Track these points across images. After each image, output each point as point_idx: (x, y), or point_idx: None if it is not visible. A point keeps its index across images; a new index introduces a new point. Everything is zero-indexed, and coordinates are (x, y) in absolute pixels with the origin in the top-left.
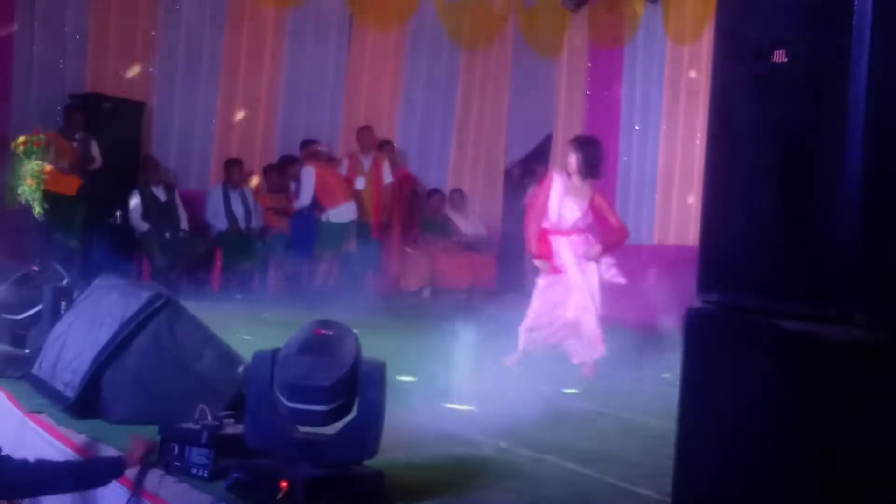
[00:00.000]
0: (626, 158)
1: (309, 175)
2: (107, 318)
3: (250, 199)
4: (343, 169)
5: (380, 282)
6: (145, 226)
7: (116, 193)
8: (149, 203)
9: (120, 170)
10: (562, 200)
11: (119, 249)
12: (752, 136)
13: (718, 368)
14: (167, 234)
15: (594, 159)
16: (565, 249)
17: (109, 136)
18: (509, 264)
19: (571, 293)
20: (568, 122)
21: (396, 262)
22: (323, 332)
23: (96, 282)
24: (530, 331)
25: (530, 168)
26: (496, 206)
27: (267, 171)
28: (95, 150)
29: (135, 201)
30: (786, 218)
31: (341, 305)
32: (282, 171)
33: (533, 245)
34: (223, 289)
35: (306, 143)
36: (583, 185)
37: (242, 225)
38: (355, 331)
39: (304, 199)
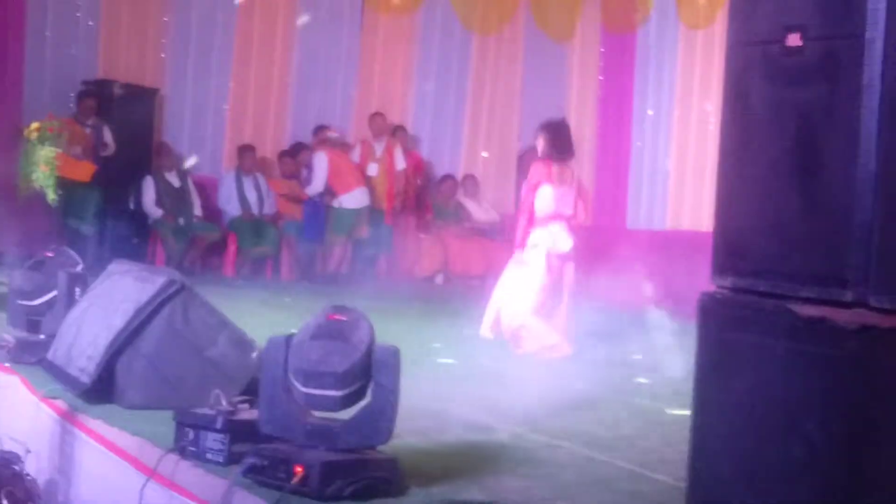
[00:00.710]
0: (639, 144)
1: (321, 161)
2: (121, 304)
3: (263, 184)
4: (355, 155)
5: (392, 267)
6: (158, 212)
7: (129, 179)
8: (162, 189)
9: (133, 156)
10: (547, 188)
11: (133, 235)
12: (766, 120)
13: (733, 353)
14: (180, 220)
15: (562, 140)
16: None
17: (122, 122)
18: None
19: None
20: (580, 107)
21: (409, 248)
22: (337, 317)
23: (110, 267)
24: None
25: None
26: (509, 192)
27: (280, 157)
28: (108, 136)
29: (148, 187)
30: (800, 202)
31: (354, 291)
32: (294, 157)
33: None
34: (237, 274)
35: (318, 129)
36: (564, 168)
37: (255, 211)
38: (368, 316)
39: (317, 185)
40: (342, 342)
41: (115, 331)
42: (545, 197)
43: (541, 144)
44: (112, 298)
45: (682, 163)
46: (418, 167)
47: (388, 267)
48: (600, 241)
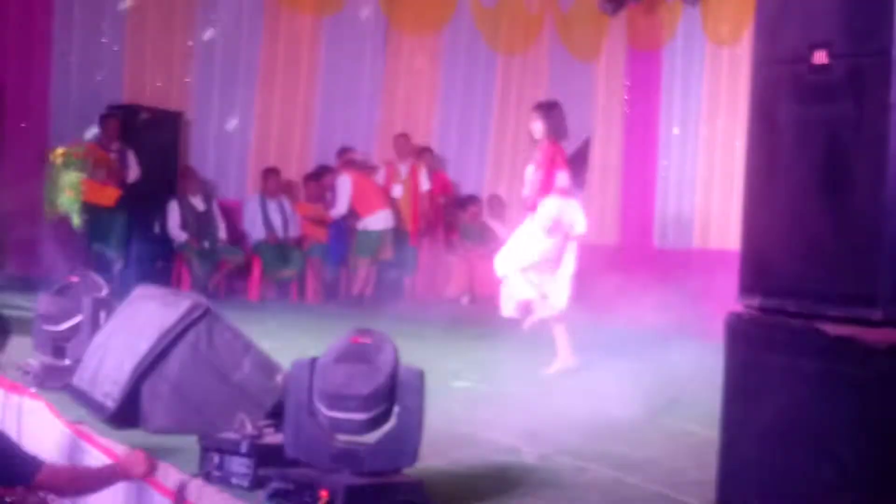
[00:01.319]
0: (665, 162)
1: (345, 183)
2: (146, 329)
3: (287, 208)
4: (380, 177)
5: (417, 289)
6: (183, 236)
7: (154, 204)
8: (187, 213)
9: (158, 180)
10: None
11: (158, 259)
12: (793, 138)
13: (761, 373)
14: (205, 244)
15: (560, 122)
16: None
17: (147, 146)
18: None
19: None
20: (606, 126)
21: (434, 270)
22: (361, 340)
23: (135, 292)
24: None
25: (571, 171)
26: None
27: (304, 180)
28: (132, 160)
29: (173, 211)
30: (828, 220)
31: (379, 313)
32: (318, 180)
33: None
34: (261, 298)
35: (343, 152)
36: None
37: (280, 234)
38: (392, 339)
39: (341, 207)
40: (366, 365)
41: (139, 355)
42: (563, 178)
43: (538, 126)
44: (137, 323)
45: (708, 181)
46: (445, 188)
47: (414, 289)
48: (627, 260)
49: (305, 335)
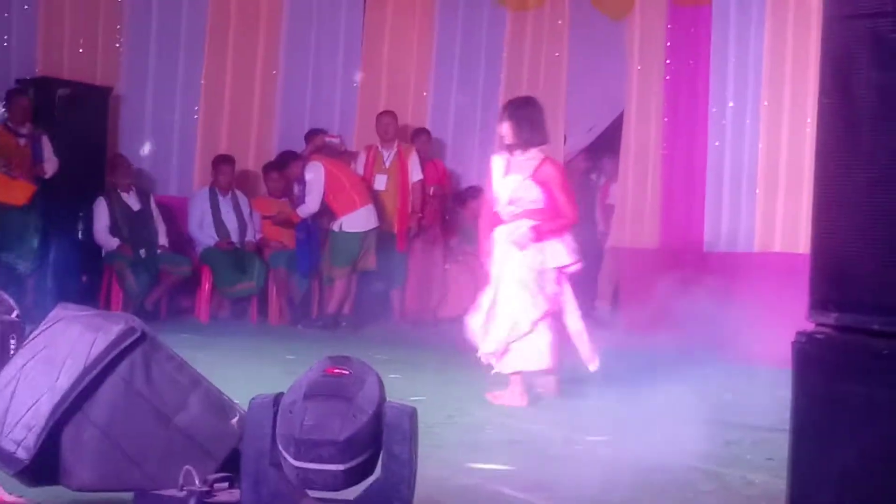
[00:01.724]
0: (717, 143)
1: (317, 174)
2: (67, 359)
3: (244, 205)
4: (359, 165)
5: (408, 306)
6: (114, 242)
7: (77, 202)
8: (118, 213)
9: (81, 172)
10: (503, 181)
11: (82, 271)
12: (875, 113)
13: (838, 408)
14: (141, 252)
15: (531, 123)
16: (497, 240)
17: (66, 130)
18: (574, 283)
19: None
20: (643, 99)
21: (429, 282)
22: (337, 371)
23: (53, 313)
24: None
25: (597, 159)
26: None
27: (265, 170)
28: (48, 148)
29: (100, 211)
30: None
31: (360, 337)
32: (282, 171)
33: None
34: (213, 319)
35: (312, 134)
36: (526, 157)
37: (235, 238)
38: (377, 369)
39: (312, 204)
40: (344, 402)
41: (59, 393)
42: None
43: (503, 128)
44: (55, 353)
45: (772, 168)
46: (440, 179)
47: (403, 305)
48: (670, 267)
49: (268, 365)
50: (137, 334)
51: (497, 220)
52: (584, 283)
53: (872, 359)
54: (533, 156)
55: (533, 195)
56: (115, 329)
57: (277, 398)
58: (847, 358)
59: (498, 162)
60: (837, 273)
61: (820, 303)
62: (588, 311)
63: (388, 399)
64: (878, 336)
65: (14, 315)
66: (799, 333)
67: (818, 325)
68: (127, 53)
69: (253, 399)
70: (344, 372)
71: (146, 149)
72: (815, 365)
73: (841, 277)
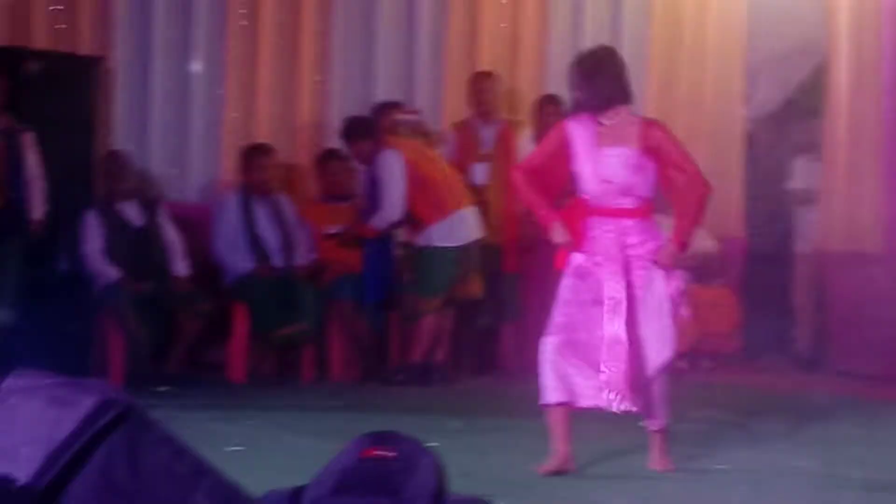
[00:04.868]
0: None
1: (396, 166)
2: (23, 448)
3: (290, 215)
4: (449, 151)
5: (526, 348)
6: (111, 272)
7: (61, 218)
8: (115, 232)
9: (61, 177)
10: (598, 156)
11: (69, 317)
12: None
13: None
14: (148, 285)
15: (613, 78)
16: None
17: (39, 119)
18: (761, 304)
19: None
20: (852, 44)
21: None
22: (378, 453)
23: (5, 383)
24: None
25: (789, 126)
26: (733, 194)
27: (319, 163)
28: (30, 146)
29: (92, 231)
30: None
31: (460, 395)
32: (344, 162)
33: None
34: (251, 377)
35: (383, 110)
36: (619, 121)
37: (279, 261)
38: (436, 446)
39: (393, 210)
40: (388, 498)
41: (17, 486)
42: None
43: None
44: (8, 439)
45: None
46: None
47: (518, 347)
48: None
49: (328, 441)
50: (119, 410)
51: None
52: (771, 305)
53: None
54: (626, 119)
55: (647, 175)
56: (88, 403)
57: (297, 493)
58: None
59: (578, 130)
60: None
61: None
62: (783, 345)
63: (448, 491)
64: None
65: None
66: None
67: None
68: (122, 17)
69: (267, 495)
70: (388, 454)
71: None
72: None
73: None
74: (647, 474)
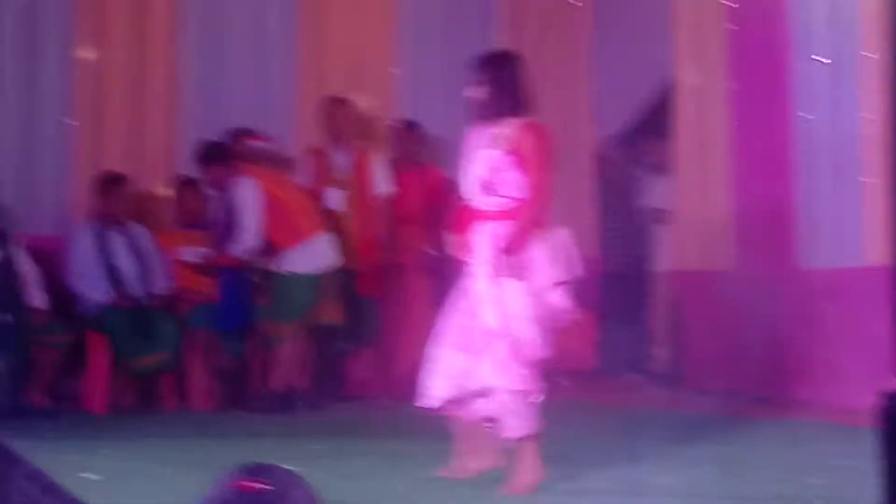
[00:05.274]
0: (810, 117)
1: (250, 192)
2: None
3: (147, 244)
4: (302, 177)
5: (384, 373)
6: None
7: None
8: None
9: None
10: (472, 158)
11: None
12: None
13: None
14: (5, 317)
15: (513, 86)
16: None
17: None
18: (618, 323)
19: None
20: (698, 62)
21: (412, 338)
22: (252, 486)
23: None
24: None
25: (638, 146)
26: (585, 216)
27: (178, 189)
28: None
29: None
30: None
31: (320, 423)
32: (199, 190)
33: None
34: (112, 409)
35: (237, 136)
36: (504, 127)
37: (136, 291)
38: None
39: (248, 236)
40: None
41: None
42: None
43: (479, 90)
44: None
45: (884, 143)
46: (434, 191)
47: (378, 373)
48: (753, 294)
49: (191, 472)
50: None
51: (471, 215)
52: (630, 322)
53: None
54: (513, 124)
55: (515, 179)
56: None
57: None
58: None
59: (474, 135)
60: None
61: None
62: (640, 362)
63: None
64: None
65: None
66: (883, 395)
67: None
68: None
69: None
70: (262, 486)
71: None
72: None
73: None
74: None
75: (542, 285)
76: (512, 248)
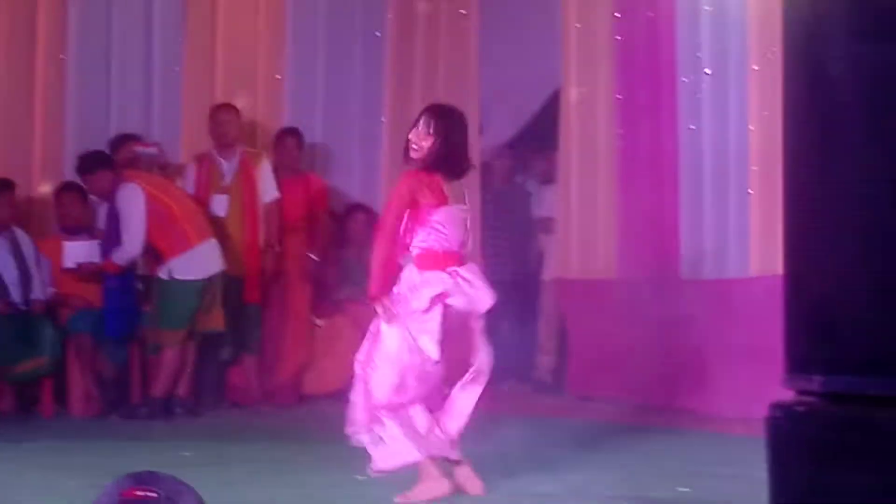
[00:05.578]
0: (692, 128)
1: (134, 200)
2: None
3: (30, 250)
4: (188, 184)
5: (272, 380)
6: None
7: None
8: None
9: None
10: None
11: None
12: (856, 99)
13: (827, 496)
14: None
15: (461, 148)
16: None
17: None
18: (503, 331)
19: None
20: (585, 73)
21: (296, 345)
22: (139, 493)
23: None
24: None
25: (524, 156)
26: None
27: (58, 195)
28: None
29: None
30: None
31: (203, 430)
32: (83, 195)
33: None
34: None
35: (121, 143)
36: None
37: (17, 296)
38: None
39: (132, 245)
40: None
41: None
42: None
43: (427, 144)
44: None
45: (769, 155)
46: (318, 198)
47: (263, 380)
48: (635, 303)
49: (69, 478)
50: None
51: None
52: (518, 332)
53: (871, 435)
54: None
55: (406, 227)
56: None
57: None
58: (838, 436)
59: (440, 182)
60: (821, 321)
61: (799, 363)
62: (527, 372)
63: None
64: (879, 403)
65: None
66: (774, 406)
67: (799, 392)
68: None
69: None
70: (149, 494)
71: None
72: (795, 447)
73: (826, 327)
74: None
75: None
76: (371, 295)
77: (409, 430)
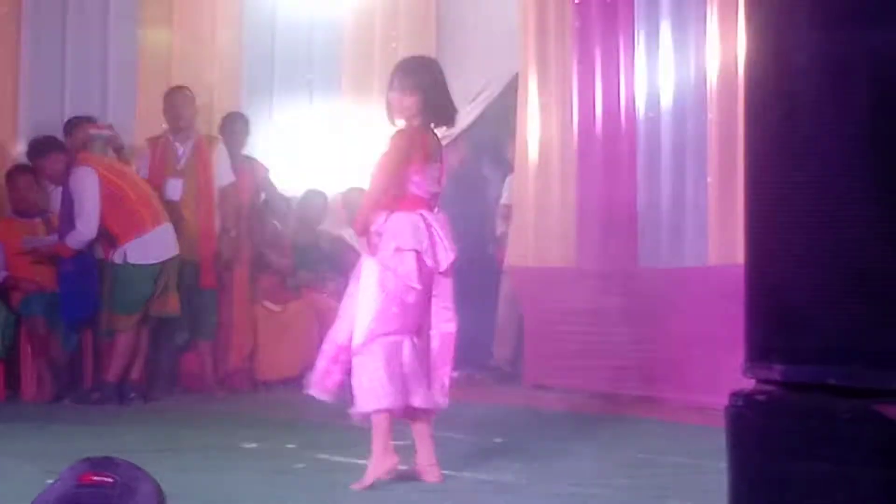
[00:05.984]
0: (651, 115)
1: (88, 182)
2: None
3: None
4: (143, 167)
5: (226, 366)
6: None
7: None
8: None
9: None
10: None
11: None
12: (819, 90)
13: (786, 490)
14: None
15: (445, 95)
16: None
17: None
18: (462, 321)
19: None
20: (543, 58)
21: (252, 329)
22: (96, 478)
23: None
24: None
25: (481, 142)
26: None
27: (9, 178)
28: None
29: None
30: (887, 229)
31: (156, 415)
32: (36, 177)
33: None
34: None
35: (76, 125)
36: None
37: None
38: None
39: (87, 228)
40: None
41: None
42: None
43: (412, 101)
44: None
45: (729, 145)
46: (263, 184)
47: (217, 365)
48: (592, 291)
49: (21, 463)
50: None
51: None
52: (477, 321)
53: (829, 423)
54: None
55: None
56: None
57: None
58: (798, 425)
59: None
60: (781, 310)
61: (760, 351)
62: (484, 361)
63: None
64: (837, 393)
65: None
66: (734, 395)
67: (760, 381)
68: None
69: None
70: (106, 480)
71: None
72: (755, 437)
73: (786, 316)
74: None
75: (388, 254)
76: (356, 228)
77: (392, 367)
